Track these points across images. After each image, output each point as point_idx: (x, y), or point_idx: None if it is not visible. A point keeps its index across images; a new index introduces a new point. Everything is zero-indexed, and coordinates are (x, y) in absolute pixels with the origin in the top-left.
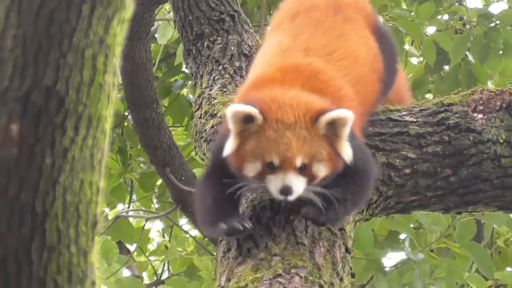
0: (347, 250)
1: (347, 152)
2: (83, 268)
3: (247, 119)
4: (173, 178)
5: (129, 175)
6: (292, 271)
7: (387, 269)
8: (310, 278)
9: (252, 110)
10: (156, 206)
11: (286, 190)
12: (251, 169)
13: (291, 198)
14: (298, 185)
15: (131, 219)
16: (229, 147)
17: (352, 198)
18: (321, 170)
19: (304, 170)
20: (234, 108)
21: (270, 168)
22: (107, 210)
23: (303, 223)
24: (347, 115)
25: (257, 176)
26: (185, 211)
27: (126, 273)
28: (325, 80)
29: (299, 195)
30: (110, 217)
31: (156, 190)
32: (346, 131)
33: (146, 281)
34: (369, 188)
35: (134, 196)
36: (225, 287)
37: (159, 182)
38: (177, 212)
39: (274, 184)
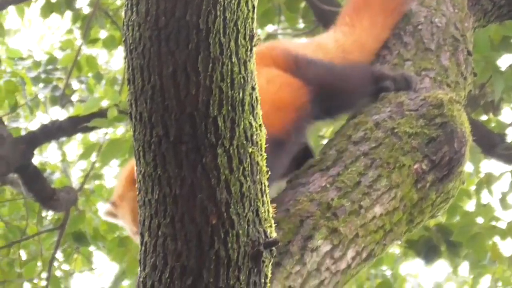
0: (468, 53)
1: None
2: (243, 75)
3: (113, 214)
4: None
5: None
6: (423, 73)
7: (502, 69)
8: (439, 78)
9: (107, 209)
10: (302, 26)
11: None
12: None
13: None
14: None
15: (280, 37)
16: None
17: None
18: None
19: None
20: (102, 214)
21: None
22: (258, 31)
23: (429, 31)
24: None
25: None
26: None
27: None
28: None
29: None
30: (261, 37)
31: (301, 11)
32: None
33: None
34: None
35: (282, 18)
36: None
37: (303, 4)
38: (320, 29)
39: None
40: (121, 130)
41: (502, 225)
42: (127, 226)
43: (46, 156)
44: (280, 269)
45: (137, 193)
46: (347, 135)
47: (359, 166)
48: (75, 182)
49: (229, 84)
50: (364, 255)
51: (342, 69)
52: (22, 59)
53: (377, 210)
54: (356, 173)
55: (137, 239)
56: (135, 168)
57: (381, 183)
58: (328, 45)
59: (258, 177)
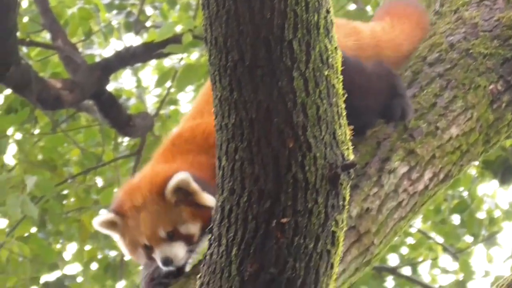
0: None
1: (208, 200)
2: None
3: (112, 224)
4: None
5: None
6: None
7: None
8: None
9: (108, 218)
10: None
11: (166, 261)
12: (140, 258)
13: (176, 265)
14: (173, 252)
15: None
16: (123, 251)
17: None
18: (191, 228)
19: (174, 236)
20: (96, 223)
21: (148, 250)
22: None
23: None
24: (181, 177)
25: (148, 260)
26: None
27: None
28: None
29: (182, 259)
30: None
31: None
32: (193, 187)
33: None
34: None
35: None
36: (439, 12)
37: None
38: None
39: (157, 261)
40: (196, 55)
41: None
42: (129, 242)
43: (121, 82)
44: (358, 191)
45: (214, 117)
46: (422, 57)
47: (435, 87)
48: (151, 108)
49: (303, 7)
50: (441, 176)
51: (369, 71)
52: None
53: (454, 131)
54: (431, 94)
55: (137, 258)
56: (212, 92)
57: (457, 104)
58: (364, 32)
59: (334, 99)
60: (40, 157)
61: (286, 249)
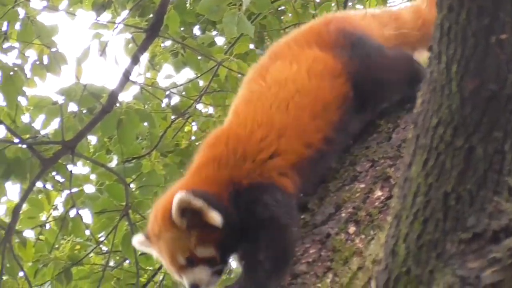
0: None
1: (214, 219)
2: None
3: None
4: None
5: None
6: None
7: None
8: None
9: (142, 240)
10: None
11: (193, 286)
12: (176, 277)
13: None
14: (196, 277)
15: None
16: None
17: (271, 256)
18: (206, 252)
19: (194, 261)
20: (135, 243)
21: (177, 273)
22: None
23: None
24: (180, 197)
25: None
26: None
27: None
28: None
29: (208, 282)
30: None
31: None
32: (197, 204)
33: None
34: (286, 238)
35: None
36: None
37: None
38: None
39: (186, 286)
40: None
41: None
42: (164, 263)
43: None
44: None
45: None
46: None
47: None
48: None
49: None
50: None
51: (390, 55)
52: None
53: None
54: None
55: (175, 277)
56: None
57: None
58: (404, 17)
59: None
60: None
61: (506, 65)
